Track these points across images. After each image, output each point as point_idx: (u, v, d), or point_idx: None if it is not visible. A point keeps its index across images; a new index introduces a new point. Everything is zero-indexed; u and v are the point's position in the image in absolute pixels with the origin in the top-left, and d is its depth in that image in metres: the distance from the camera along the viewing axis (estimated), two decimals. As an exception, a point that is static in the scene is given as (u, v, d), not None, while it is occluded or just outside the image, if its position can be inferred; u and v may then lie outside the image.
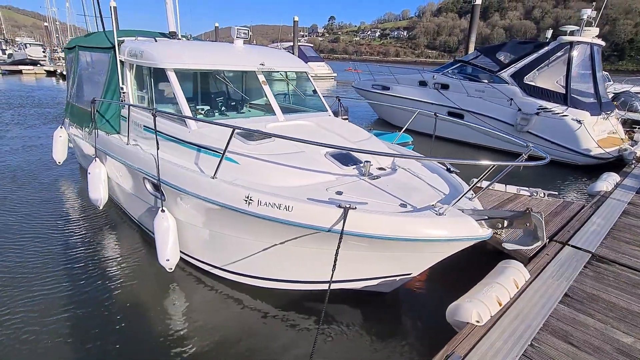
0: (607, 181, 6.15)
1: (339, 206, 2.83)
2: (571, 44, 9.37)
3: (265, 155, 3.64)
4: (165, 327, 3.53)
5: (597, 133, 9.25)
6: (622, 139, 9.76)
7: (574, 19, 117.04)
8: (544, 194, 5.60)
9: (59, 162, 7.21)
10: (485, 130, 9.51)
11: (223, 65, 4.72)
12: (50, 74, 32.18)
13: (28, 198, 6.32)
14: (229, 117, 4.92)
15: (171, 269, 3.98)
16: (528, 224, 2.72)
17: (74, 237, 5.12)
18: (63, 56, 42.14)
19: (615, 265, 3.73)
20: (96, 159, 5.18)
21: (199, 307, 3.85)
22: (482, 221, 2.91)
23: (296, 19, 39.72)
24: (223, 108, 5.21)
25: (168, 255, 3.87)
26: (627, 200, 5.48)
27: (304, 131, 4.36)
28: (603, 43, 10.05)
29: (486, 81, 10.76)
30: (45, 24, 55.06)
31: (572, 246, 4.00)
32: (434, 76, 12.23)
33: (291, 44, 38.05)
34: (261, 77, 4.86)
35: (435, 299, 4.05)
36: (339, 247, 2.71)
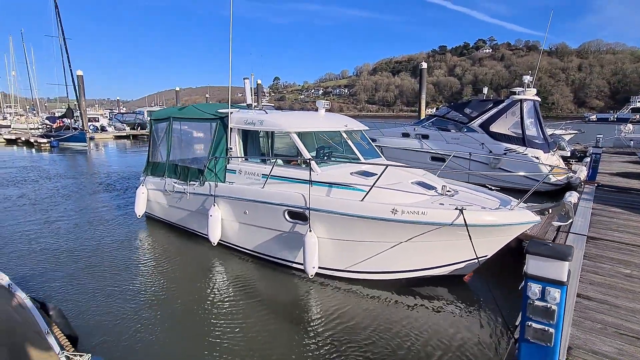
0: (572, 197, 8.55)
1: (456, 208, 4.65)
2: (521, 101, 12.44)
3: (382, 186, 5.39)
4: (312, 328, 4.76)
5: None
6: (565, 169, 12.70)
7: (489, 75, 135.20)
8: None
9: (139, 215, 8.31)
10: (466, 170, 12.04)
11: (323, 127, 6.56)
12: (10, 142, 31.63)
13: (144, 255, 7.34)
14: (329, 165, 6.49)
15: (312, 275, 5.44)
16: (564, 209, 4.70)
17: (206, 277, 6.38)
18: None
19: (602, 240, 5.84)
20: (214, 204, 6.57)
21: (335, 307, 5.15)
22: (534, 212, 4.87)
23: (259, 82, 42.81)
24: (325, 158, 6.92)
25: (314, 264, 5.36)
26: (590, 207, 7.85)
27: (387, 170, 6.19)
28: (539, 99, 13.31)
29: (459, 131, 13.50)
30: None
31: (574, 233, 6.09)
32: (414, 129, 14.88)
33: (255, 104, 40.79)
34: (345, 135, 6.73)
35: (487, 284, 5.87)
36: (469, 235, 4.47)
